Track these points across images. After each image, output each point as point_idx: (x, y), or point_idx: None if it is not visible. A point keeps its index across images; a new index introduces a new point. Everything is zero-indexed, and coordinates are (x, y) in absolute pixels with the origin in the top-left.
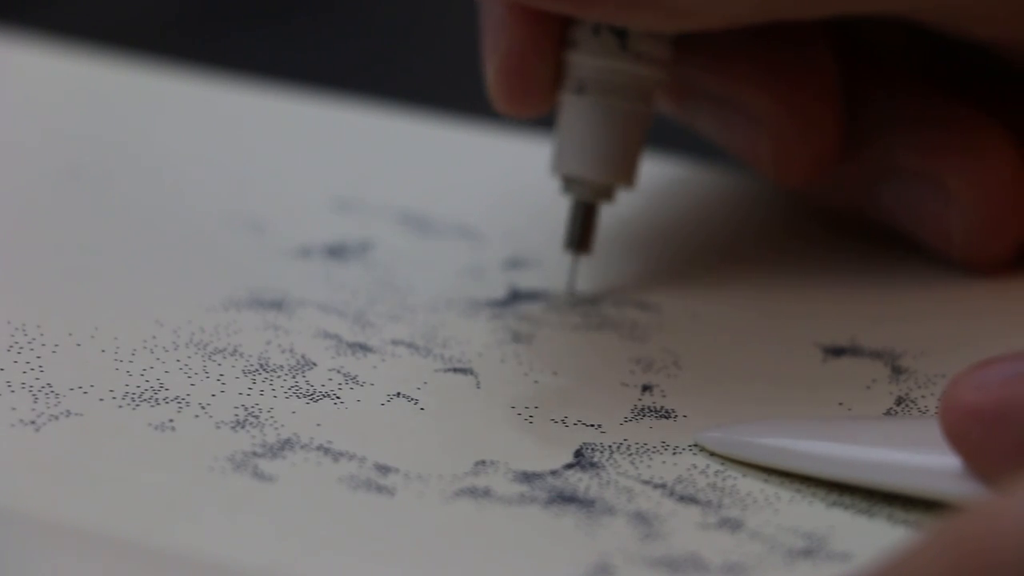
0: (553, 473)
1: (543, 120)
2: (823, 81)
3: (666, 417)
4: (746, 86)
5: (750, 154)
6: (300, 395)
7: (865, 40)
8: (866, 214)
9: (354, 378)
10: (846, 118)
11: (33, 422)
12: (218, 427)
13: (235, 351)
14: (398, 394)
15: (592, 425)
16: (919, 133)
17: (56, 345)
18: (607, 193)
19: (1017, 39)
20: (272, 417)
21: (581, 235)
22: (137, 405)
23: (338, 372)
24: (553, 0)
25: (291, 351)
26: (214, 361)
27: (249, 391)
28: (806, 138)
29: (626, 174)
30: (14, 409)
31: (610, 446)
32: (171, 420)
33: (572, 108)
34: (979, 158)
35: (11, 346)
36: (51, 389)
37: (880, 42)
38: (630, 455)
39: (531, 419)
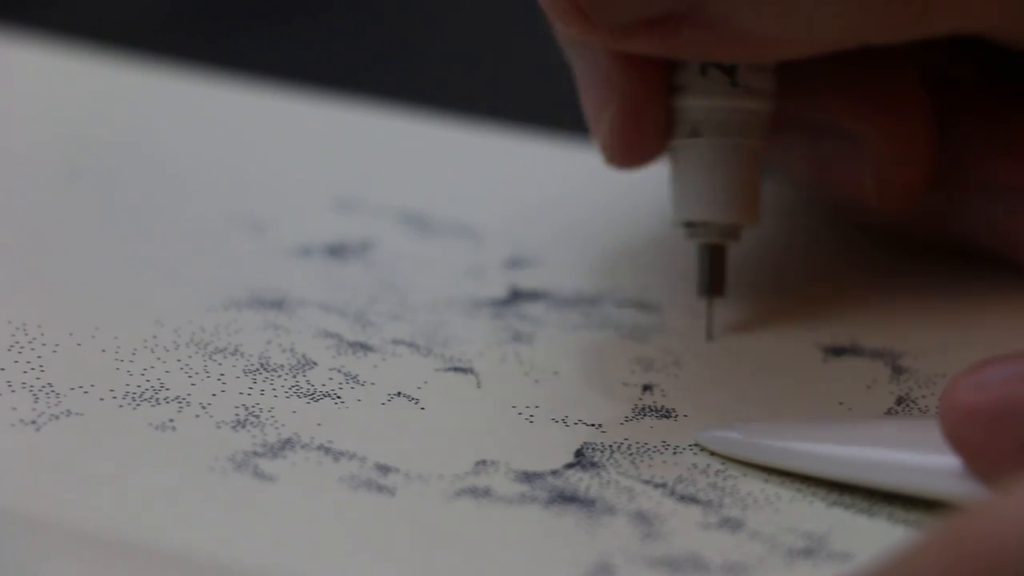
0: (554, 473)
1: (544, 120)
2: (917, 105)
3: (666, 417)
4: (845, 113)
5: (850, 183)
6: (301, 395)
7: (939, 65)
8: (950, 237)
9: (355, 377)
10: (938, 140)
11: (34, 422)
12: (219, 427)
13: (236, 351)
14: (399, 393)
15: (593, 425)
16: (1008, 145)
17: (57, 345)
18: (734, 233)
19: None
20: (273, 417)
21: (712, 278)
22: (138, 405)
23: (339, 371)
24: (631, 41)
25: (292, 351)
26: (215, 361)
27: (250, 391)
28: (906, 162)
29: (751, 211)
30: (15, 409)
31: (611, 446)
32: (171, 420)
33: (687, 152)
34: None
35: (12, 346)
36: (52, 389)
37: (952, 66)
38: (631, 455)
39: (532, 419)
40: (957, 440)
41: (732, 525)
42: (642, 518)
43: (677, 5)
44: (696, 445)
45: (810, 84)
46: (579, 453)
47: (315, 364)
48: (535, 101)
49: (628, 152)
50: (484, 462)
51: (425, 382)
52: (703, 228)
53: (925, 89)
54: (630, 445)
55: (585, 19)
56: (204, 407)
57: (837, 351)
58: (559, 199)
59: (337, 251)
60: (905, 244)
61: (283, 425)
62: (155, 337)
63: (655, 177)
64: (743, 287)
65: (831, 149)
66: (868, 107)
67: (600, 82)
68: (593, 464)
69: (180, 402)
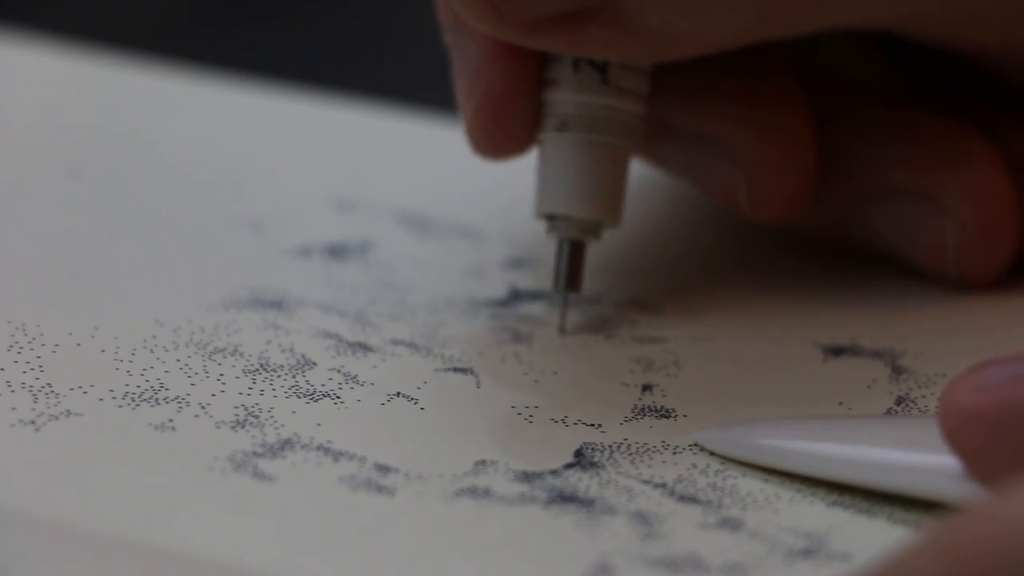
0: (553, 473)
1: None
2: (796, 115)
3: (666, 417)
4: (720, 122)
5: (726, 193)
6: (300, 395)
7: (834, 64)
8: (852, 239)
9: (354, 378)
10: (821, 149)
11: (33, 422)
12: (218, 427)
13: (235, 351)
14: (398, 394)
15: (592, 425)
16: (906, 148)
17: (56, 345)
18: (594, 231)
19: (1005, 45)
20: (272, 417)
21: (569, 274)
22: (137, 405)
23: (338, 372)
24: (540, 37)
25: (291, 351)
26: (214, 361)
27: (249, 391)
28: (783, 174)
29: (613, 210)
30: (14, 409)
31: (610, 446)
32: (171, 420)
33: (554, 146)
34: (971, 170)
35: (11, 346)
36: (51, 389)
37: (852, 64)
38: (630, 455)
39: (531, 419)
40: (956, 442)
41: (732, 525)
42: (642, 518)
43: (587, 1)
44: (696, 445)
45: (687, 91)
46: (579, 453)
47: (315, 364)
48: None
49: (492, 143)
50: (484, 462)
51: (425, 382)
52: (564, 222)
53: (806, 100)
54: (630, 445)
55: (497, 14)
56: (204, 407)
57: (837, 351)
58: None
59: (337, 251)
60: (815, 247)
61: (283, 425)
62: (155, 337)
63: (655, 178)
64: (738, 282)
65: (706, 158)
66: (742, 117)
67: (469, 72)
68: (593, 464)
69: (180, 402)
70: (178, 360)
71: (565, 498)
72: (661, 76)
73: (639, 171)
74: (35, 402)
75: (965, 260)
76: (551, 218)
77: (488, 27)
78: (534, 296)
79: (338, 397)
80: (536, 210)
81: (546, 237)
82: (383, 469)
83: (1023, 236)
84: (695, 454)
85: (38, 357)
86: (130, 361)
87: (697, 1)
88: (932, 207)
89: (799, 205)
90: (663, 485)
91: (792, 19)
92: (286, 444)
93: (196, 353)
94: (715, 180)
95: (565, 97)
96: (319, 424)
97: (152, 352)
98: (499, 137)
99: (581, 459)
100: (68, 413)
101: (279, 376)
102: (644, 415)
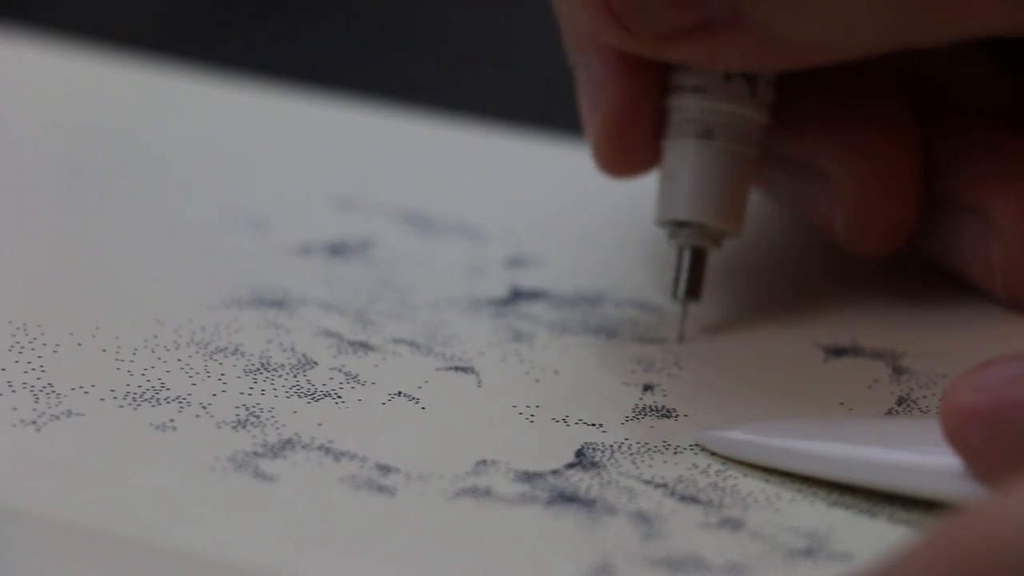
0: (554, 473)
1: (544, 120)
2: (902, 146)
3: (667, 417)
4: (820, 151)
5: (825, 223)
6: (301, 394)
7: (943, 84)
8: (916, 251)
9: (355, 377)
10: (925, 182)
11: (34, 422)
12: (219, 427)
13: (236, 350)
14: (399, 393)
15: (593, 424)
16: (968, 163)
17: (57, 345)
18: (718, 239)
19: None
20: (273, 417)
21: (691, 282)
22: (138, 405)
23: (339, 371)
24: (669, 50)
25: (292, 350)
26: (215, 360)
27: (250, 391)
28: (882, 206)
29: (739, 220)
30: (15, 409)
31: (611, 446)
32: (172, 420)
33: (691, 153)
34: (1021, 187)
35: (12, 346)
36: (52, 389)
37: (959, 83)
38: (631, 455)
39: (532, 418)
40: (958, 441)
41: (732, 525)
42: (642, 518)
43: (715, 12)
44: (696, 445)
45: (792, 118)
46: (579, 453)
47: (316, 364)
48: (536, 101)
49: (618, 157)
50: (484, 462)
51: (426, 381)
52: (692, 230)
53: (916, 131)
54: (630, 445)
55: (623, 28)
56: (204, 407)
57: (838, 351)
58: (559, 199)
59: (338, 250)
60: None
61: (283, 425)
62: (156, 337)
63: (655, 177)
64: (739, 282)
65: (807, 187)
66: (843, 147)
67: (593, 88)
68: (594, 464)
69: (180, 402)
70: (179, 360)
71: (566, 498)
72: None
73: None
74: (36, 402)
75: (1012, 279)
76: (678, 225)
77: (618, 42)
78: (535, 295)
79: (339, 396)
80: (661, 215)
81: (546, 238)
82: (384, 469)
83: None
84: (696, 454)
85: (39, 357)
86: (131, 361)
87: (826, 9)
88: (983, 224)
89: (899, 238)
90: (664, 485)
91: (925, 28)
92: (287, 444)
93: (197, 353)
94: (815, 209)
95: (713, 106)
96: (320, 424)
97: (153, 352)
98: (626, 151)
99: (582, 459)
100: (69, 413)
101: (280, 376)
102: (645, 415)
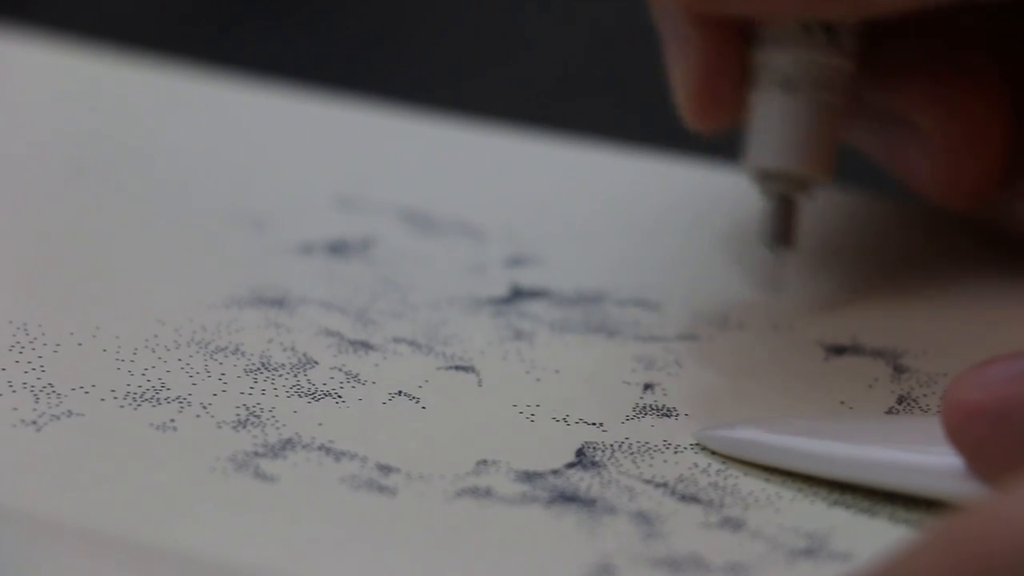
0: (555, 472)
1: (544, 120)
2: (991, 102)
3: (668, 416)
4: (914, 106)
5: (914, 175)
6: (302, 394)
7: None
8: (1000, 222)
9: (356, 376)
10: (1012, 138)
11: (35, 422)
12: (219, 427)
13: (236, 350)
14: (400, 392)
15: (594, 424)
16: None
17: (57, 345)
18: (806, 187)
19: None
20: (273, 417)
21: (784, 230)
22: (139, 405)
23: (340, 371)
24: (747, 3)
25: (293, 349)
26: (215, 360)
27: (251, 390)
28: (970, 160)
29: (828, 168)
30: (15, 409)
31: (611, 445)
32: (172, 420)
33: (777, 103)
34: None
35: (13, 346)
36: (52, 389)
37: None
38: (631, 454)
39: (533, 418)
40: (959, 439)
41: (733, 525)
42: (643, 518)
43: None
44: (697, 444)
45: (884, 70)
46: (580, 452)
47: (316, 363)
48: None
49: (705, 112)
50: (485, 462)
51: (426, 381)
52: (782, 179)
53: (1006, 91)
54: (631, 444)
55: None
56: (205, 407)
57: (838, 350)
58: (559, 198)
59: (338, 249)
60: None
61: (284, 425)
62: (156, 336)
63: (656, 176)
64: (739, 281)
65: (896, 139)
66: (935, 100)
67: (678, 44)
68: (594, 463)
69: (181, 402)
70: (179, 359)
71: (566, 498)
72: (861, 52)
73: (639, 171)
74: (36, 402)
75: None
76: (766, 175)
77: (691, 4)
78: (535, 294)
79: (339, 396)
80: (750, 165)
81: (546, 237)
82: (385, 469)
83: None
84: (696, 453)
85: (39, 357)
86: (131, 361)
87: None
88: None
89: (984, 193)
90: (664, 485)
91: None
92: (287, 444)
93: (197, 352)
94: (903, 161)
95: (794, 55)
96: (320, 424)
97: (153, 352)
98: (714, 107)
99: (582, 458)
100: (69, 413)
101: (280, 375)
102: (645, 414)
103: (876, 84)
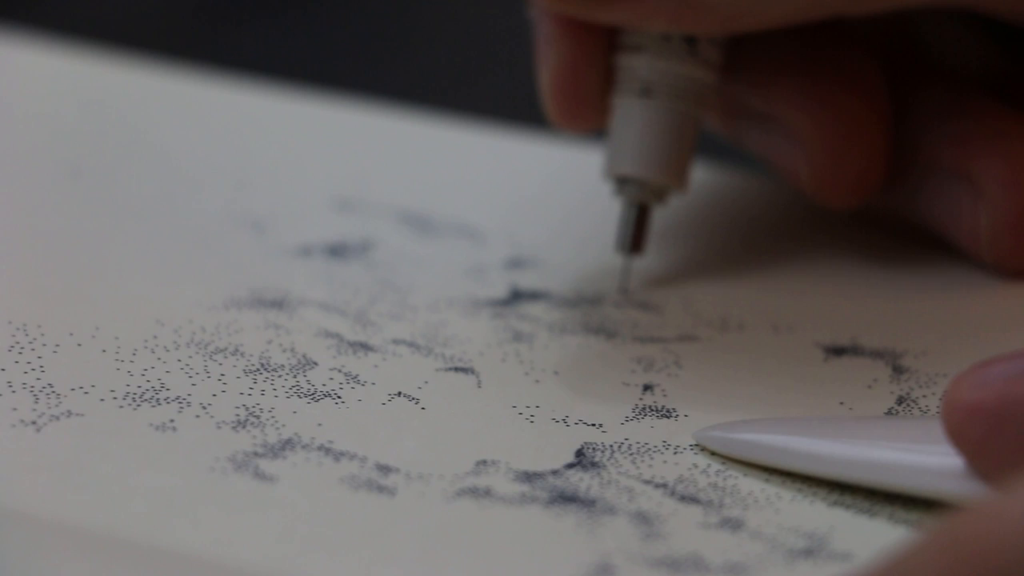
0: (554, 473)
1: (543, 120)
2: (867, 99)
3: (667, 416)
4: (788, 105)
5: (791, 175)
6: (301, 395)
7: (923, 42)
8: (903, 214)
9: (355, 377)
10: (893, 135)
11: (34, 422)
12: (219, 427)
13: (236, 351)
14: (399, 393)
15: (593, 424)
16: (957, 128)
17: (57, 345)
18: (661, 195)
19: None
20: (273, 417)
21: (635, 237)
22: (138, 405)
23: (339, 371)
24: (603, 12)
25: (292, 350)
26: (215, 361)
27: (250, 391)
28: (846, 159)
29: (682, 177)
30: (15, 409)
31: (611, 446)
32: (172, 420)
33: (634, 110)
34: (1011, 156)
35: (12, 346)
36: (52, 389)
37: (941, 44)
38: (631, 455)
39: (532, 419)
40: (959, 438)
41: (733, 525)
42: (643, 518)
43: None
44: (697, 445)
45: (758, 70)
46: (579, 453)
47: (315, 364)
48: (535, 101)
49: (566, 112)
50: (484, 462)
51: (426, 382)
52: (635, 186)
53: (883, 84)
54: (631, 445)
55: None
56: (204, 407)
57: (838, 351)
58: (559, 199)
59: (338, 251)
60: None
61: (284, 425)
62: (155, 337)
63: None
64: (739, 282)
65: (775, 139)
66: (812, 100)
67: (544, 43)
68: (594, 464)
69: (180, 402)
70: (179, 360)
71: (566, 498)
72: (735, 54)
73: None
74: (36, 402)
75: (998, 244)
76: (622, 180)
77: (550, 4)
78: (535, 296)
79: (339, 397)
80: (607, 171)
81: (546, 238)
82: (384, 469)
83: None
84: (696, 454)
85: (39, 357)
86: (131, 361)
87: None
88: (970, 188)
89: (864, 191)
90: (664, 485)
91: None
92: (287, 444)
93: (197, 353)
94: (782, 161)
95: (652, 64)
96: (320, 424)
97: (153, 352)
98: (573, 107)
99: (582, 459)
100: (69, 413)
101: (280, 376)
102: (645, 415)
103: (750, 85)
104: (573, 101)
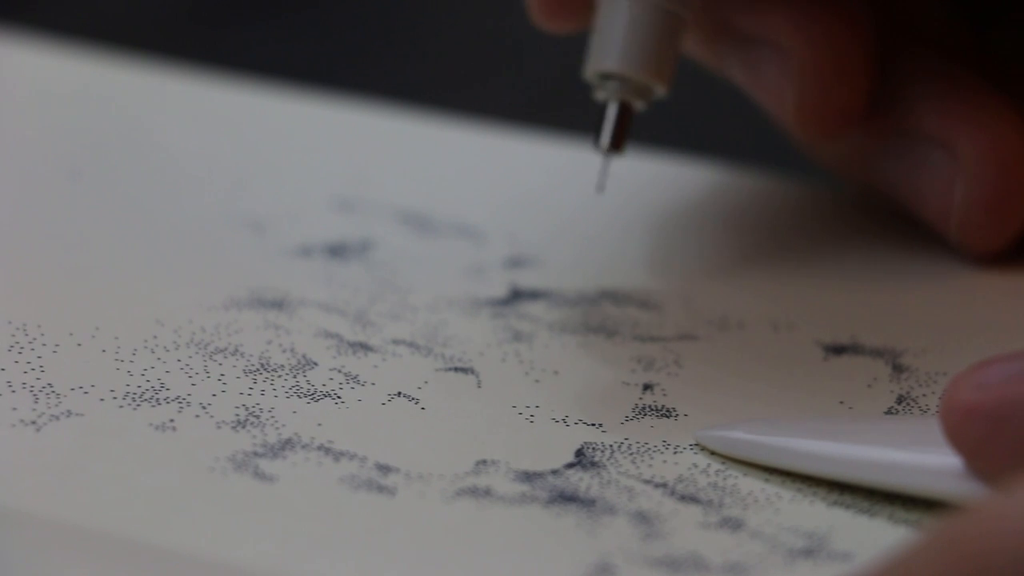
0: (554, 472)
1: (544, 120)
2: (857, 32)
3: (667, 416)
4: (777, 26)
5: (778, 100)
6: (301, 395)
7: (909, 8)
8: (870, 180)
9: (355, 378)
10: (876, 75)
11: (34, 422)
12: (219, 427)
13: (236, 351)
14: (399, 393)
15: (593, 424)
16: (940, 97)
17: (57, 345)
18: (645, 95)
19: None
20: (273, 417)
21: (616, 134)
22: (138, 405)
23: (339, 372)
24: None
25: (292, 351)
26: (215, 361)
27: (250, 391)
28: (832, 86)
29: (667, 76)
30: (15, 409)
31: (611, 445)
32: (172, 420)
33: (619, 7)
34: (995, 132)
35: (12, 346)
36: (52, 389)
37: (926, 10)
38: (631, 454)
39: (532, 418)
40: (958, 439)
41: (732, 525)
42: (642, 518)
43: None
44: (696, 445)
45: None
46: (579, 453)
47: (315, 364)
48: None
49: (554, 11)
50: (484, 462)
51: (425, 382)
52: (618, 83)
53: (871, 19)
54: (630, 445)
55: None
56: (204, 407)
57: (837, 349)
58: (559, 198)
59: (337, 251)
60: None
61: (283, 425)
62: (155, 337)
63: (656, 177)
64: (739, 281)
65: (761, 63)
66: (803, 23)
67: None
68: (593, 464)
69: (180, 402)
70: (179, 360)
71: (566, 498)
72: None
73: (641, 170)
74: (36, 402)
75: (969, 221)
76: (604, 77)
77: None
78: (535, 295)
79: (339, 397)
80: (589, 67)
81: (546, 238)
82: (384, 469)
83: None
84: (696, 454)
85: (39, 357)
86: (131, 361)
87: None
88: (949, 159)
89: (844, 122)
90: (664, 485)
91: None
92: (287, 444)
93: (197, 353)
94: (767, 86)
95: None
96: (320, 424)
97: (153, 352)
98: (560, 6)
99: (582, 459)
100: (69, 413)
101: (280, 376)
102: (645, 414)
103: (739, 6)
104: (562, 1)
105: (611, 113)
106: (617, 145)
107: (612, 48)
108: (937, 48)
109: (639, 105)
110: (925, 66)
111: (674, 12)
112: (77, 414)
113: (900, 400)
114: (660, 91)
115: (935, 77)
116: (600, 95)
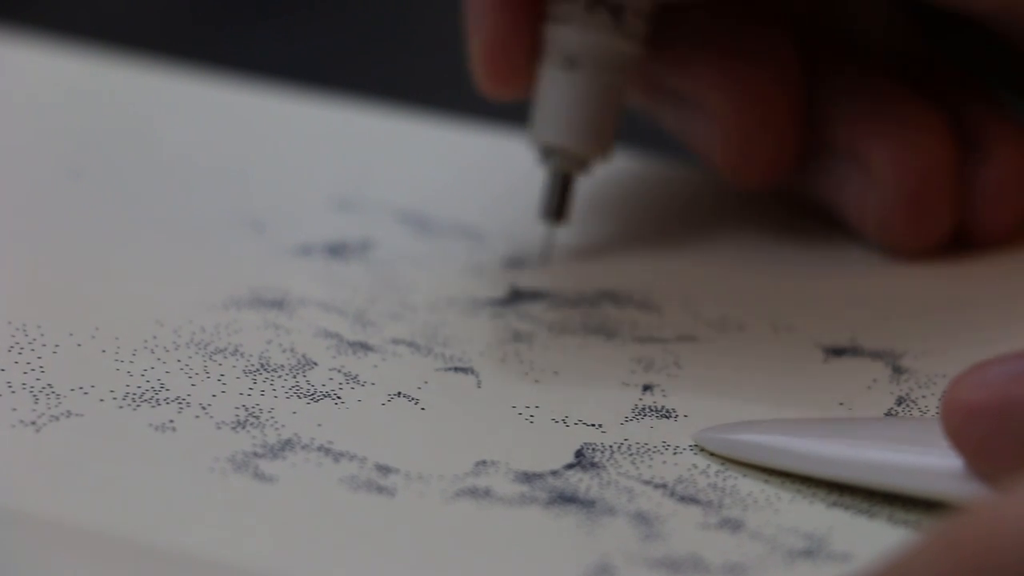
0: (554, 473)
1: None
2: (785, 84)
3: (667, 417)
4: (704, 85)
5: (707, 155)
6: (301, 395)
7: (843, 8)
8: (800, 191)
9: (355, 378)
10: (805, 123)
11: (34, 423)
12: (219, 427)
13: (236, 351)
14: (399, 394)
15: (593, 425)
16: (852, 108)
17: (57, 345)
18: (585, 164)
19: (1007, 7)
20: (273, 417)
21: (559, 205)
22: (138, 406)
23: (339, 372)
24: None
25: (292, 350)
26: (215, 361)
27: (250, 391)
28: (758, 139)
29: (607, 147)
30: (15, 410)
31: (611, 446)
32: (172, 420)
33: (559, 81)
34: (906, 138)
35: (12, 346)
36: (52, 390)
37: (858, 12)
38: (631, 455)
39: (532, 419)
40: (958, 439)
41: (732, 526)
42: (642, 519)
43: None
44: (696, 445)
45: (676, 50)
46: (579, 453)
47: (315, 364)
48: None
49: (495, 79)
50: (484, 462)
51: (425, 382)
52: (560, 155)
53: (798, 66)
54: (630, 445)
55: None
56: (204, 408)
57: (837, 351)
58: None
59: (337, 250)
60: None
61: (283, 426)
62: (155, 337)
63: (656, 177)
64: (739, 283)
65: (690, 119)
66: (721, 80)
67: (474, 11)
68: (593, 464)
69: (180, 403)
70: (179, 360)
71: (566, 498)
72: (657, 31)
73: (641, 170)
74: (36, 403)
75: (887, 225)
76: (548, 150)
77: None
78: (535, 295)
79: (339, 397)
80: (534, 139)
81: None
82: (384, 469)
83: (956, 210)
84: (696, 454)
85: (39, 358)
86: (131, 361)
87: None
88: (860, 168)
89: (774, 173)
90: (664, 486)
91: None
92: (287, 445)
93: (197, 353)
94: (697, 141)
95: (576, 36)
96: (320, 424)
97: (153, 352)
98: (502, 74)
99: (582, 459)
100: (69, 414)
101: (280, 376)
102: (645, 415)
103: (669, 63)
104: (503, 70)
105: (555, 185)
106: (560, 214)
107: (552, 122)
108: (866, 63)
109: (582, 174)
110: (848, 81)
111: (613, 84)
112: (77, 414)
113: (900, 402)
114: (601, 160)
115: (856, 91)
116: (545, 164)
